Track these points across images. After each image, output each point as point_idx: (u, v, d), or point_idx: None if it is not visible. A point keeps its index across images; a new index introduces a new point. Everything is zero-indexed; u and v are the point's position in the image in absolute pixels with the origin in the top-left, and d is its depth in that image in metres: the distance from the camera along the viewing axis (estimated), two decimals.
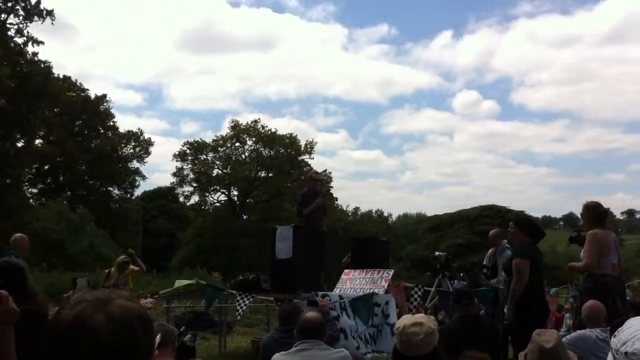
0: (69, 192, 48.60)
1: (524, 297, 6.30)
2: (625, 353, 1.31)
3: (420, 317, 3.62)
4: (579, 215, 7.03)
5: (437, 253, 10.55)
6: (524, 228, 6.77)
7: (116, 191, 51.46)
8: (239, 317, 9.64)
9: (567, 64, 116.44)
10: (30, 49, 34.34)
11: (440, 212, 46.43)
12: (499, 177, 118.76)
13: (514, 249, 6.87)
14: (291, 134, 56.67)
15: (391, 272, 10.71)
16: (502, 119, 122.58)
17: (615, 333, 1.36)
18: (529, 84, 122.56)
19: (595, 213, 6.57)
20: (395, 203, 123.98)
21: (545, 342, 3.55)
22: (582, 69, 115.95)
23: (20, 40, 34.19)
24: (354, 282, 10.62)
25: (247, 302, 8.69)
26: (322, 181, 11.67)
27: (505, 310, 6.55)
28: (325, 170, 58.30)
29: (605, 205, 6.78)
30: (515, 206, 44.29)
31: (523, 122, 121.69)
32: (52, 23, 34.61)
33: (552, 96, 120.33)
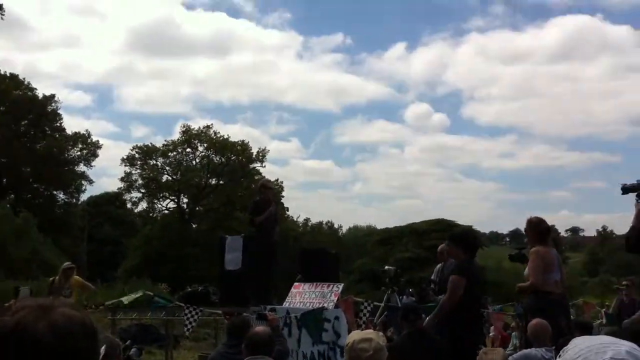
0: (12, 195, 47.04)
1: (457, 314, 6.12)
2: None
3: (369, 332, 3.62)
4: (524, 232, 7.11)
5: (386, 267, 10.62)
6: (458, 243, 6.64)
7: (61, 195, 50.13)
8: (187, 332, 9.43)
9: (516, 80, 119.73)
10: None
11: (390, 225, 46.91)
12: (448, 191, 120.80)
13: (454, 265, 6.81)
14: (243, 141, 56.42)
15: (341, 286, 10.70)
16: (452, 132, 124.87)
17: (561, 353, 1.37)
18: (478, 98, 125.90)
19: (539, 229, 6.59)
20: (345, 214, 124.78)
21: (495, 357, 3.60)
22: (530, 85, 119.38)
23: None
24: (303, 296, 10.55)
25: (196, 316, 8.52)
26: (274, 190, 11.64)
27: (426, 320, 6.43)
28: (277, 180, 58.18)
29: (550, 222, 6.88)
30: (463, 221, 45.10)
31: (472, 137, 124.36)
32: (2, 18, 33.62)
33: (501, 111, 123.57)
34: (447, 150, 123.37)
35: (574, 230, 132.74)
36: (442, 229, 37.94)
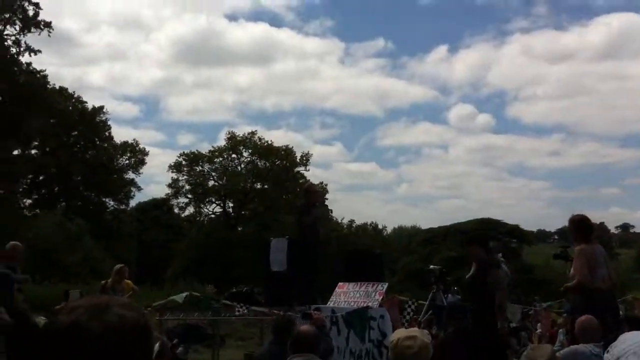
0: (63, 203, 48.40)
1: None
2: None
3: (414, 330, 3.62)
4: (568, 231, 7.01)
5: (431, 266, 10.57)
6: (479, 243, 6.84)
7: (111, 202, 51.28)
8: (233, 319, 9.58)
9: (562, 79, 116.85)
10: (26, 58, 34.46)
11: (435, 225, 46.44)
12: (494, 190, 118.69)
13: (485, 265, 6.82)
14: (287, 145, 56.76)
15: (385, 285, 10.70)
16: (497, 132, 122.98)
17: (609, 348, 1.35)
18: (523, 98, 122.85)
19: (582, 227, 6.54)
20: (390, 216, 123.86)
21: (539, 356, 3.55)
22: (576, 84, 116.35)
23: (15, 50, 34.28)
24: (347, 296, 10.59)
25: (244, 310, 8.65)
26: (319, 193, 11.78)
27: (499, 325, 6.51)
28: (321, 183, 58.34)
29: (600, 220, 6.84)
30: (509, 219, 44.31)
31: (518, 136, 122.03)
32: (49, 35, 34.71)
33: (547, 110, 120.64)
34: (493, 150, 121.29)
35: (625, 227, 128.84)
36: (487, 228, 37.45)
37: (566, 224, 6.74)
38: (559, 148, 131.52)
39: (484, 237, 7.38)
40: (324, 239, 11.58)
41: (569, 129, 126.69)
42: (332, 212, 59.44)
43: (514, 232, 39.04)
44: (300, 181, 53.48)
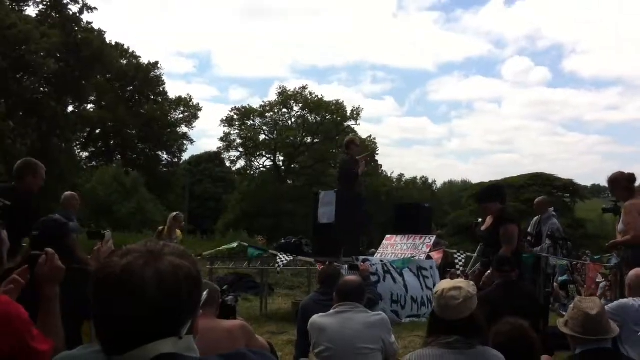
0: (119, 157, 49.70)
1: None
2: None
3: (459, 281, 3.60)
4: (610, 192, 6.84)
5: (479, 219, 10.43)
6: (494, 199, 6.87)
7: (165, 155, 52.38)
8: (278, 270, 9.80)
9: (621, 32, 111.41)
10: (84, 16, 34.96)
11: (486, 180, 45.74)
12: (549, 145, 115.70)
13: (500, 218, 6.76)
14: (337, 100, 56.51)
15: (433, 238, 10.70)
16: (553, 86, 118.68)
17: None
18: (581, 51, 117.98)
19: (624, 182, 6.38)
20: (440, 170, 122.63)
21: (589, 309, 3.50)
22: (636, 37, 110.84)
23: (74, 8, 34.81)
24: (395, 248, 10.65)
25: (287, 259, 8.80)
26: (362, 146, 11.65)
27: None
28: (370, 136, 58.10)
29: None
30: (564, 174, 43.23)
31: (575, 90, 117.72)
32: None
33: (605, 64, 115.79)
34: (549, 104, 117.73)
35: None
36: (540, 182, 36.71)
37: None
38: (617, 102, 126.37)
39: (498, 190, 7.27)
40: (363, 192, 11.56)
41: (628, 82, 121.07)
42: (381, 167, 59.36)
43: (567, 187, 38.07)
44: (351, 135, 53.34)
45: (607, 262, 12.13)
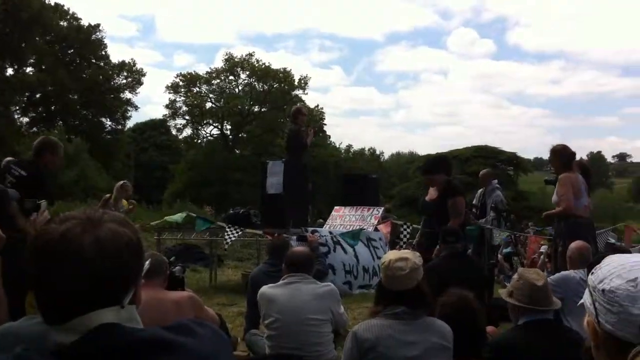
0: (60, 122, 48.17)
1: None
2: (603, 290, 1.31)
3: (405, 252, 3.65)
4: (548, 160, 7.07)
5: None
6: (439, 169, 7.01)
7: (108, 122, 51.06)
8: (226, 247, 9.74)
9: (565, 5, 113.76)
10: None
11: (433, 152, 46.55)
12: (493, 117, 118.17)
13: (447, 190, 6.93)
14: (285, 68, 56.06)
15: (381, 210, 10.83)
16: (497, 58, 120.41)
17: (593, 270, 1.35)
18: (525, 24, 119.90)
19: (564, 155, 6.55)
20: (387, 142, 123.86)
21: (535, 279, 3.59)
22: (579, 11, 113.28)
23: None
24: (344, 219, 10.73)
25: (236, 234, 8.74)
26: (307, 116, 11.55)
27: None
28: (317, 106, 58.03)
29: (597, 149, 6.81)
30: (507, 147, 44.38)
31: (518, 62, 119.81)
32: None
33: (548, 37, 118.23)
34: (493, 77, 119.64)
35: (622, 157, 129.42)
36: (485, 155, 37.48)
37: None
38: (559, 76, 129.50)
39: (444, 162, 7.42)
40: (307, 162, 11.55)
41: (570, 56, 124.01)
42: (329, 138, 59.47)
43: (510, 160, 39.02)
44: (299, 104, 53.19)
45: (549, 234, 12.56)
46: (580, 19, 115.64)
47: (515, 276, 3.79)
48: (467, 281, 4.44)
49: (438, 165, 7.25)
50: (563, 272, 5.11)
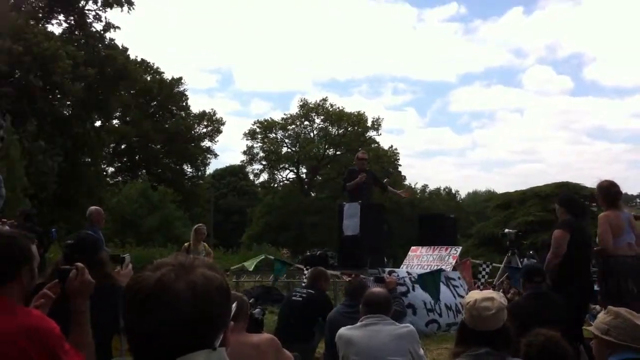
0: (144, 171, 50.24)
1: (565, 271, 6.13)
2: None
3: (490, 292, 3.56)
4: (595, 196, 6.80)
5: (506, 230, 10.36)
6: (563, 205, 6.69)
7: (189, 169, 52.81)
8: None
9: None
10: (108, 34, 35.56)
11: (511, 190, 45.40)
12: (573, 153, 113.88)
13: (557, 223, 6.68)
14: (358, 111, 56.65)
15: (459, 249, 10.60)
16: (575, 94, 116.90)
17: None
18: (602, 59, 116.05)
19: (609, 193, 6.35)
20: (464, 181, 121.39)
21: (634, 318, 3.42)
22: None
23: (98, 27, 35.42)
24: (421, 259, 10.58)
25: None
26: (367, 159, 11.66)
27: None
28: (391, 147, 58.05)
29: None
30: (589, 183, 42.65)
31: (597, 97, 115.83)
32: (129, 12, 35.52)
33: (627, 71, 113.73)
34: (572, 113, 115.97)
35: None
36: (566, 192, 36.23)
37: None
38: None
39: (565, 198, 7.18)
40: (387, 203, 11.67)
41: None
42: (405, 178, 59.19)
43: (593, 195, 37.56)
44: (373, 146, 53.42)
45: None
46: None
47: (606, 314, 3.60)
48: (552, 321, 4.27)
49: (565, 201, 7.02)
50: None
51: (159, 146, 49.64)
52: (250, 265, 10.09)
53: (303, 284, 8.88)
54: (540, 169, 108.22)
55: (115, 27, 35.34)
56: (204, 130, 53.33)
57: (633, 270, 6.10)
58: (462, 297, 9.17)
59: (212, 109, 54.77)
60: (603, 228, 6.16)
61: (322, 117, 56.18)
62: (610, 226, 6.15)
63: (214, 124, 53.66)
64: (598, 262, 6.36)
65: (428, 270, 9.52)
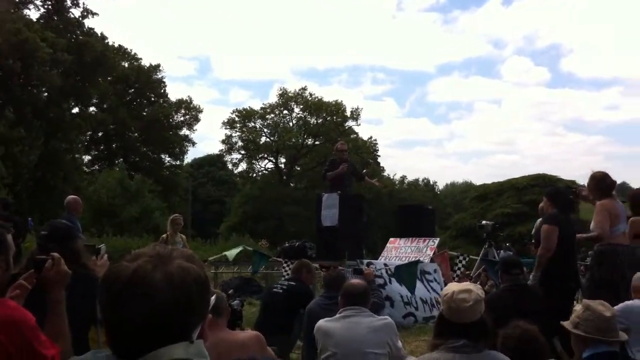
0: (121, 159, 49.75)
1: (553, 265, 6.18)
2: None
3: (468, 284, 3.58)
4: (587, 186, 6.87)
5: (483, 222, 10.45)
6: (551, 198, 6.72)
7: (167, 158, 52.39)
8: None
9: (620, 31, 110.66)
10: (86, 21, 35.14)
11: (488, 181, 45.81)
12: (549, 145, 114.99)
13: (544, 217, 6.75)
14: (337, 100, 56.59)
15: (437, 241, 10.67)
16: (552, 86, 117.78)
17: None
18: (579, 51, 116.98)
19: (603, 184, 6.41)
20: (442, 172, 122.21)
21: (604, 310, 3.47)
22: (636, 36, 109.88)
23: (77, 12, 34.93)
24: (399, 251, 10.62)
25: (291, 267, 8.76)
26: (347, 150, 11.66)
27: (531, 277, 6.46)
28: (370, 138, 58.18)
29: None
30: (565, 175, 43.16)
31: (574, 89, 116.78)
32: None
33: (604, 64, 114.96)
34: (548, 105, 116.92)
35: None
36: (542, 184, 36.62)
37: (624, 179, 6.58)
38: (617, 102, 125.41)
39: (553, 191, 7.26)
40: (371, 194, 11.77)
41: (628, 82, 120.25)
42: (384, 169, 59.41)
43: (569, 188, 38.06)
44: (352, 136, 53.48)
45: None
46: (636, 45, 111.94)
47: (580, 307, 3.66)
48: (529, 314, 4.31)
49: (552, 194, 7.07)
50: (627, 302, 4.89)
51: (136, 134, 49.14)
52: (231, 255, 10.06)
53: (283, 276, 8.90)
54: (517, 160, 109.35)
55: (94, 14, 34.92)
56: (182, 118, 52.88)
57: (629, 258, 6.20)
58: (436, 292, 9.24)
59: (189, 97, 54.26)
60: (602, 215, 6.19)
61: (301, 107, 56.02)
62: (608, 214, 6.20)
63: (192, 112, 53.21)
64: (596, 249, 6.36)
65: (406, 262, 9.56)
